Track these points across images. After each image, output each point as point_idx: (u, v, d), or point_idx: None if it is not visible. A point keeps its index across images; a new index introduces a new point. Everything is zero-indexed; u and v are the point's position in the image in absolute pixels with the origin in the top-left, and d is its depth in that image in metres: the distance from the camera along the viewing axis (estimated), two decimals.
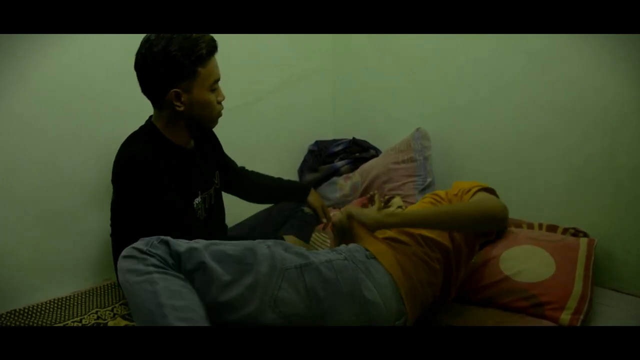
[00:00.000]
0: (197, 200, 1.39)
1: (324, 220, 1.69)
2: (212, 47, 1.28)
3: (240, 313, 0.96)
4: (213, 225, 1.47)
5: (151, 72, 1.25)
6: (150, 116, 1.38)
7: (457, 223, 1.18)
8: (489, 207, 1.17)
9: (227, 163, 1.63)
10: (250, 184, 1.69)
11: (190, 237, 1.06)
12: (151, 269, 0.93)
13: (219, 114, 1.38)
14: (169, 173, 1.28)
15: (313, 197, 1.71)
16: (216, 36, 1.79)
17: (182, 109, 1.28)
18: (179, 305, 0.89)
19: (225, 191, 1.65)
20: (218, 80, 1.33)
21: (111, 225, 1.42)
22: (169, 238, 0.99)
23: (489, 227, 1.26)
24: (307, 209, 1.68)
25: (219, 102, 1.36)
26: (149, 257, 0.94)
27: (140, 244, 0.97)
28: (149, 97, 1.32)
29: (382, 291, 1.09)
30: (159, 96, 1.28)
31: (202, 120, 1.35)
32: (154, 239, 0.97)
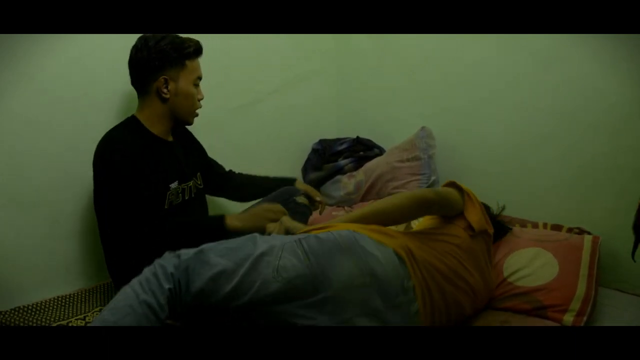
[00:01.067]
0: (174, 185, 1.45)
1: (318, 198, 1.72)
2: (199, 48, 1.47)
3: (247, 295, 0.98)
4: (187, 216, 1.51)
5: (144, 62, 1.40)
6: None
7: (391, 212, 1.23)
8: (418, 193, 1.29)
9: (211, 165, 1.68)
10: (237, 185, 1.74)
11: (145, 227, 1.27)
12: (134, 281, 0.99)
13: (196, 112, 1.51)
14: (144, 159, 1.35)
15: (300, 183, 1.75)
16: (219, 36, 1.81)
17: (167, 96, 1.42)
18: (106, 318, 0.94)
19: (212, 194, 1.70)
20: (200, 78, 1.49)
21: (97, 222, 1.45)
22: (182, 251, 1.04)
23: (418, 211, 1.28)
24: (300, 199, 1.67)
25: (199, 100, 1.49)
26: (148, 271, 1.01)
27: (165, 255, 1.04)
28: (138, 86, 1.45)
29: (383, 251, 1.08)
30: (147, 83, 1.42)
31: (183, 112, 1.47)
32: (173, 254, 1.04)
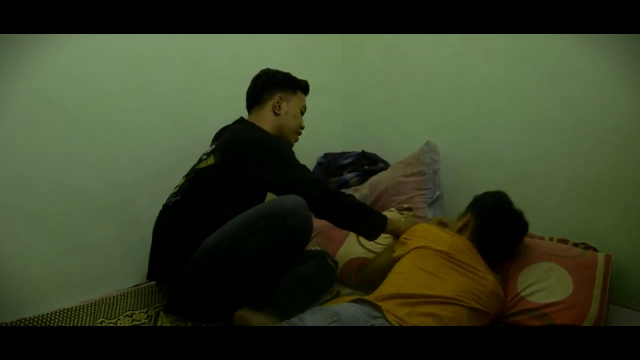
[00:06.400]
0: None
1: None
2: (307, 87, 1.77)
3: None
4: None
5: (264, 82, 1.68)
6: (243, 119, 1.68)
7: None
8: None
9: None
10: None
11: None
12: None
13: (297, 136, 1.74)
14: None
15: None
16: (227, 49, 1.82)
17: (279, 113, 1.67)
18: None
19: None
20: (305, 109, 1.76)
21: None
22: None
23: None
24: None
25: (301, 127, 1.74)
26: None
27: None
28: (255, 101, 1.69)
29: (343, 304, 1.21)
30: (265, 99, 1.67)
31: (289, 130, 1.69)
32: None
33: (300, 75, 1.75)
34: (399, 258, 1.42)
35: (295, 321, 1.15)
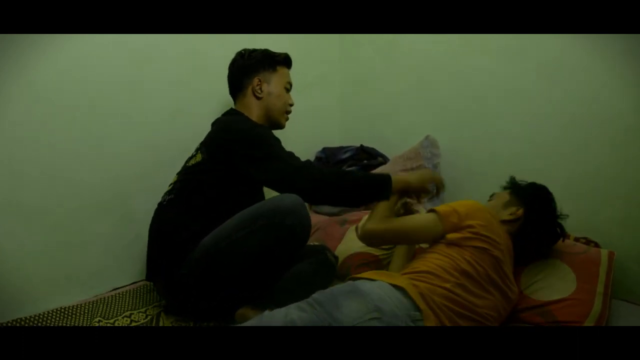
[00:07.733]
0: None
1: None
2: (288, 59, 1.68)
3: None
4: None
5: (243, 66, 1.62)
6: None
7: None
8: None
9: None
10: None
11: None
12: None
13: (287, 116, 1.68)
14: None
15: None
16: (224, 45, 1.81)
17: (261, 96, 1.61)
18: None
19: None
20: (291, 86, 1.68)
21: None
22: None
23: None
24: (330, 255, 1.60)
25: (290, 105, 1.67)
26: None
27: None
28: (236, 88, 1.64)
29: (383, 287, 1.13)
30: (245, 84, 1.61)
31: (275, 112, 1.63)
32: None
33: (298, 70, 1.73)
34: (450, 243, 1.28)
35: (325, 302, 1.08)
